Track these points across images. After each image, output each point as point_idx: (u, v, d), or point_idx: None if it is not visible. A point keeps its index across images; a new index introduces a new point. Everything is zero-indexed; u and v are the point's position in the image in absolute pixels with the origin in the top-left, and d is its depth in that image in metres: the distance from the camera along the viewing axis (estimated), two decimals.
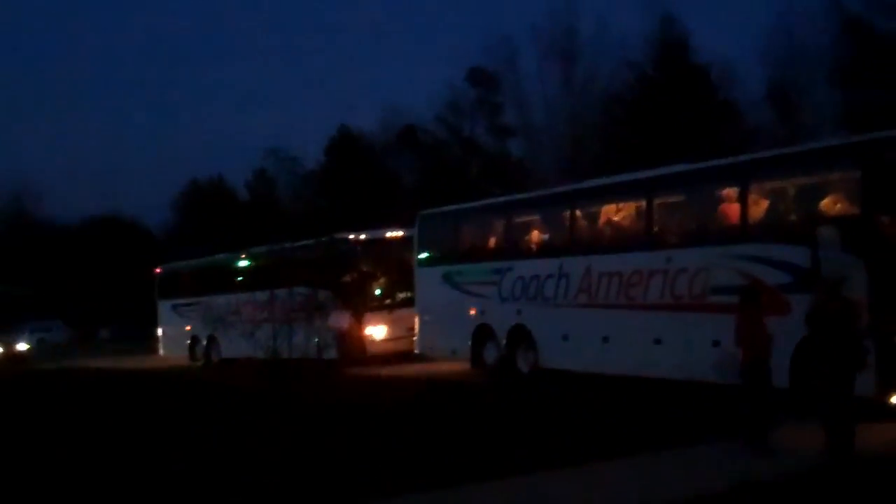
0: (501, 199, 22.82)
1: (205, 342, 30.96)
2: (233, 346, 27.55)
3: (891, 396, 12.29)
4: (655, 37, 43.59)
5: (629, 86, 44.49)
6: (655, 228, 16.45)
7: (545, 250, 18.82)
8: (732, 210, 14.93)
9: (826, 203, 13.57)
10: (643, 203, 16.63)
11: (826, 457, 10.20)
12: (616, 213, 17.35)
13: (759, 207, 14.64)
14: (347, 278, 25.22)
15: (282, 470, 11.11)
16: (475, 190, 38.97)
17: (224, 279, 30.36)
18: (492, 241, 20.78)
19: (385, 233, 26.21)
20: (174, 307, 33.69)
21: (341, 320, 23.25)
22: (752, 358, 11.06)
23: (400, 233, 25.50)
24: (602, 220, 17.74)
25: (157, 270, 36.16)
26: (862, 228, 12.76)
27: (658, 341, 15.79)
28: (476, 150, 49.58)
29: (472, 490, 9.63)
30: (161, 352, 34.80)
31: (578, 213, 18.27)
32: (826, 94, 39.93)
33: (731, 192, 15.03)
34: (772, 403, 11.18)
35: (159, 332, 35.21)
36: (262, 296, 25.53)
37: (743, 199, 14.64)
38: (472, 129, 50.12)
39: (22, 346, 43.75)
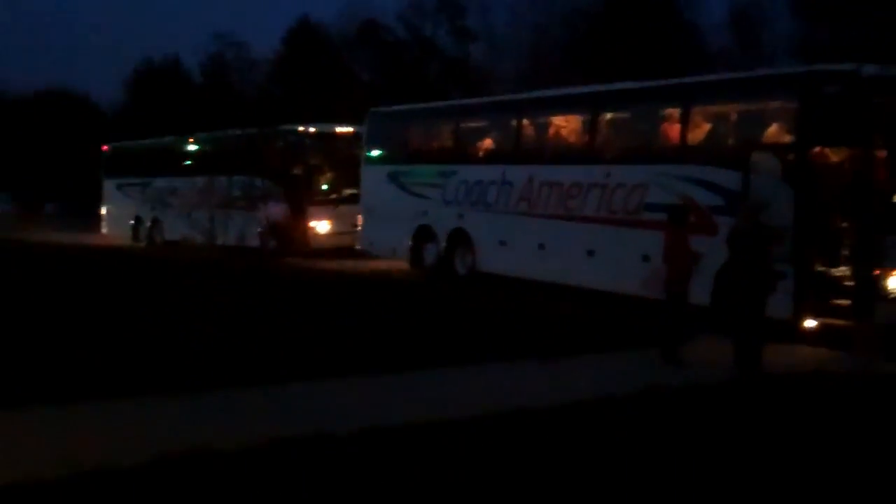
0: (451, 102, 22.93)
1: (149, 223, 30.93)
2: (176, 229, 27.62)
3: (804, 320, 12.81)
4: None
5: (593, 1, 44.22)
6: (597, 143, 16.69)
7: (490, 157, 19.03)
8: (673, 130, 15.22)
9: (762, 130, 13.88)
10: (587, 117, 16.86)
11: (733, 371, 10.74)
12: (561, 125, 17.56)
13: (699, 130, 14.94)
14: (293, 170, 25.23)
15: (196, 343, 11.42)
16: (434, 91, 38.84)
17: (170, 162, 30.20)
18: (439, 144, 20.93)
19: (335, 127, 26.15)
20: (119, 186, 33.48)
21: (277, 211, 23.22)
22: (676, 274, 11.48)
23: (350, 129, 25.43)
24: (547, 131, 17.93)
25: (104, 148, 35.76)
26: (794, 158, 13.12)
27: (591, 253, 16.19)
28: (436, 51, 49.23)
29: (380, 379, 10.06)
30: (104, 230, 34.67)
31: (525, 122, 18.43)
32: (787, 25, 40.17)
33: (672, 112, 15.30)
34: (687, 318, 11.65)
35: (103, 210, 35.03)
36: (205, 180, 25.50)
37: (684, 121, 14.92)
38: (435, 31, 49.73)
39: None
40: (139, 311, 14.21)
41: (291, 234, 24.43)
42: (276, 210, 23.58)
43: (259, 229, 24.66)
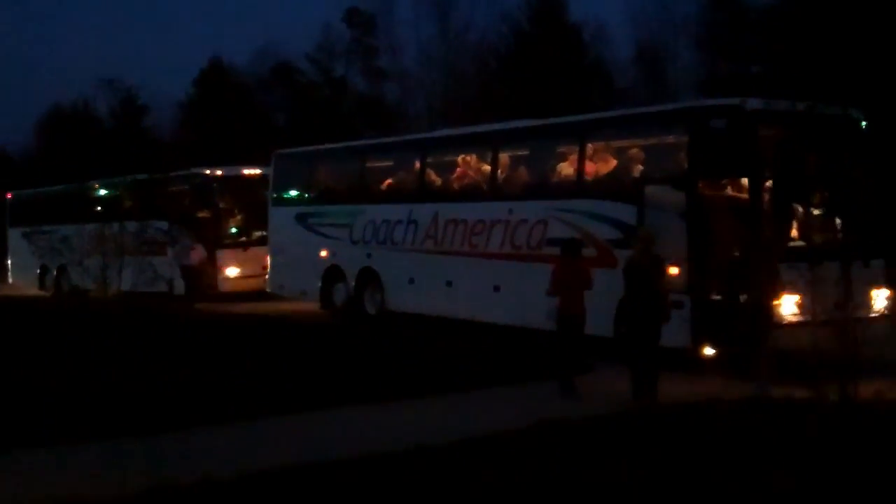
0: (355, 143, 23.03)
1: (55, 272, 30.24)
2: (81, 277, 27.08)
3: (702, 349, 13.06)
4: None
5: (503, 38, 44.90)
6: (499, 180, 16.88)
7: (396, 196, 19.09)
8: (570, 166, 15.50)
9: (655, 164, 14.22)
10: (489, 155, 17.06)
11: (630, 401, 10.91)
12: (464, 163, 17.72)
13: (595, 165, 15.24)
14: (201, 213, 25.01)
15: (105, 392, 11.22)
16: (347, 131, 38.88)
17: (74, 208, 29.54)
18: (345, 184, 20.93)
19: (242, 170, 26.02)
20: (24, 235, 32.67)
21: (190, 255, 22.88)
22: (569, 307, 11.63)
23: (258, 170, 25.34)
24: (451, 169, 18.08)
25: (8, 196, 34.99)
26: (686, 190, 13.43)
27: (497, 288, 16.32)
28: (348, 91, 49.30)
29: (282, 420, 10.04)
30: (11, 280, 33.89)
31: (429, 161, 18.56)
32: (692, 60, 41.18)
33: (569, 148, 15.59)
34: (583, 350, 11.80)
35: (9, 260, 34.22)
36: (108, 226, 25.05)
37: (580, 157, 15.18)
38: (347, 71, 49.80)
39: None
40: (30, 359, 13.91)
41: (200, 278, 24.15)
42: (189, 253, 23.04)
43: (167, 274, 24.33)
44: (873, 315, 13.38)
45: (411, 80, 47.01)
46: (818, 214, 13.43)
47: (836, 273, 12.68)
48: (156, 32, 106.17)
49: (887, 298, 13.60)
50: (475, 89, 44.06)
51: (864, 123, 13.94)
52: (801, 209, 13.37)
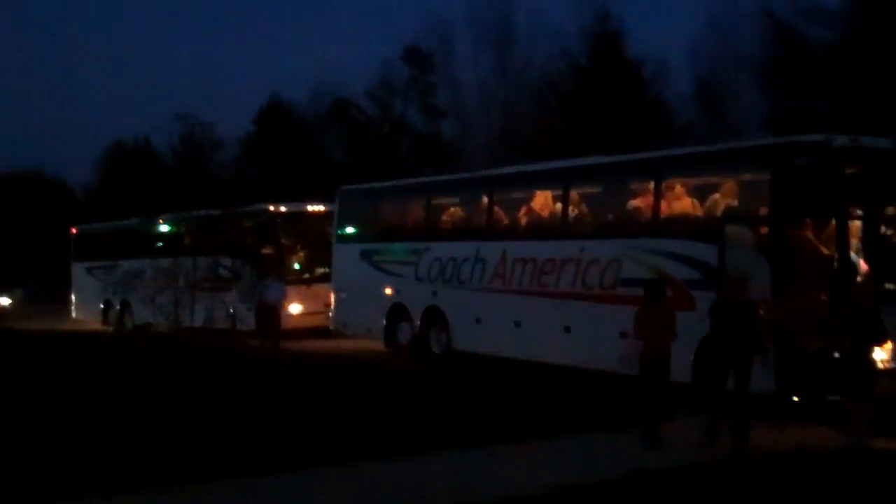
0: (422, 179, 22.86)
1: (118, 307, 30.42)
2: (145, 312, 27.23)
3: (790, 395, 12.54)
4: (590, 29, 43.75)
5: (562, 76, 44.65)
6: (570, 218, 16.55)
7: (463, 233, 18.85)
8: (646, 204, 15.13)
9: (736, 203, 13.81)
10: (560, 192, 16.75)
11: (705, 450, 10.49)
12: (533, 200, 17.43)
13: (672, 203, 14.86)
14: (265, 250, 24.98)
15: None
16: (404, 168, 38.87)
17: (139, 243, 29.86)
18: (411, 221, 20.75)
19: (306, 206, 26.01)
20: (89, 269, 33.02)
21: (279, 293, 21.94)
22: (653, 351, 11.21)
23: (321, 207, 25.32)
24: (520, 206, 17.81)
25: (73, 231, 35.40)
26: (769, 229, 13.02)
27: (568, 329, 15.94)
28: (407, 128, 49.43)
29: (356, 468, 9.71)
30: (74, 314, 34.12)
31: (497, 198, 18.30)
32: (753, 97, 40.59)
33: (645, 186, 15.24)
34: (668, 397, 11.37)
35: (73, 294, 34.53)
36: (171, 262, 25.18)
37: (657, 195, 14.83)
38: (405, 109, 49.94)
39: None
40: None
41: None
42: (279, 291, 22.03)
43: (231, 309, 24.29)
44: None
45: (469, 117, 46.97)
46: None
47: None
48: (216, 70, 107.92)
49: None
50: (534, 126, 43.90)
51: None
52: (889, 249, 12.85)
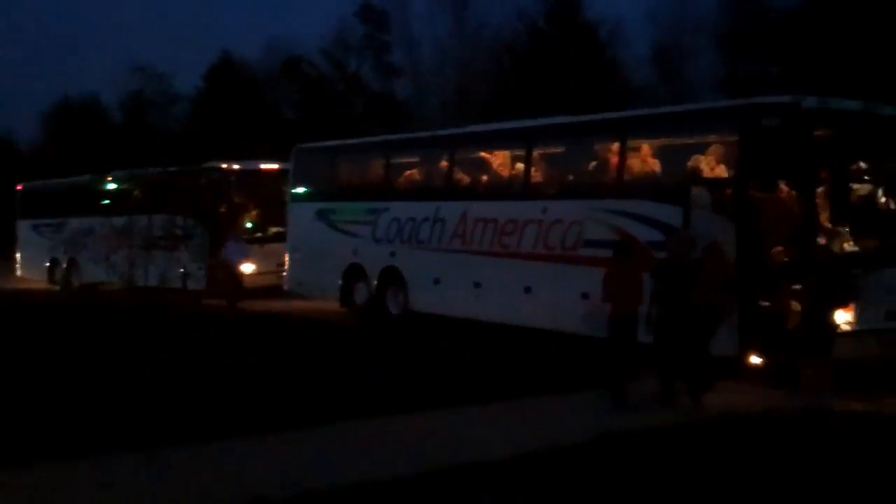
0: (381, 138, 22.48)
1: (65, 265, 29.69)
2: (93, 271, 26.60)
3: (749, 357, 12.51)
4: None
5: (519, 36, 44.31)
6: (533, 178, 16.32)
7: (422, 193, 18.53)
8: (610, 165, 14.95)
9: (701, 164, 13.66)
10: (522, 152, 16.49)
11: (665, 410, 10.55)
12: (495, 160, 17.17)
13: (636, 164, 14.68)
14: (217, 208, 24.47)
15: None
16: (358, 127, 38.38)
17: (88, 201, 29.03)
18: (369, 181, 20.37)
19: (259, 164, 25.47)
20: (35, 227, 32.15)
21: (241, 253, 21.32)
22: (620, 312, 11.08)
23: (275, 165, 24.80)
24: (481, 166, 17.54)
25: (19, 187, 34.44)
26: (735, 191, 12.90)
27: (528, 290, 15.76)
28: (361, 87, 48.74)
29: (307, 433, 9.46)
30: (19, 272, 33.30)
31: (458, 157, 18.01)
32: (709, 60, 40.67)
33: (609, 147, 15.05)
34: (635, 358, 11.25)
35: (18, 252, 33.67)
36: (123, 221, 24.55)
37: (621, 155, 14.65)
38: (359, 67, 49.21)
39: None
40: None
41: (214, 274, 23.64)
42: (238, 251, 21.36)
43: (181, 269, 23.82)
44: None
45: (425, 76, 46.51)
46: (871, 219, 12.88)
47: (889, 281, 12.31)
48: (164, 27, 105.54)
49: None
50: (490, 87, 43.58)
51: None
52: (854, 213, 12.80)
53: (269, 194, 24.29)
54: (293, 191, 21.71)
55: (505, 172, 17.04)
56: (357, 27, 48.89)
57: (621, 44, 43.67)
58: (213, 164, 25.36)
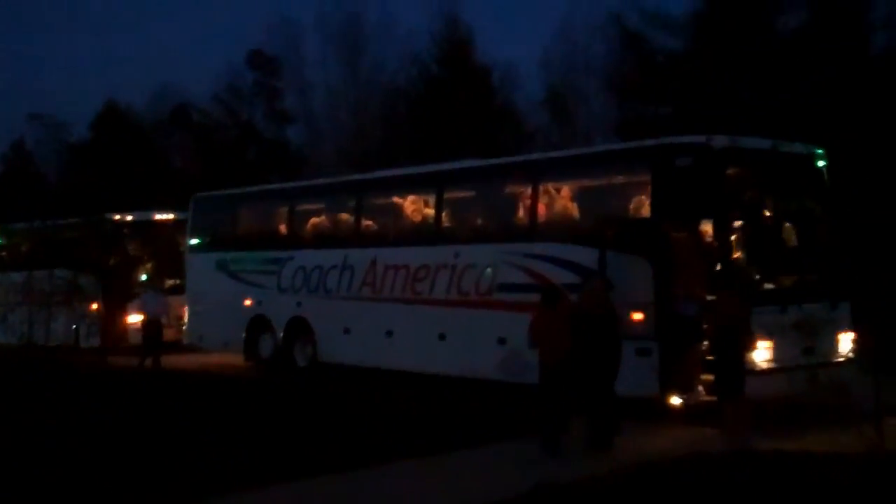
0: (284, 185, 22.01)
1: None
2: None
3: (671, 397, 12.42)
4: (441, 34, 43.57)
5: (413, 81, 44.31)
6: (444, 223, 16.07)
7: (329, 241, 18.08)
8: (523, 208, 14.81)
9: (616, 205, 13.65)
10: (433, 196, 16.25)
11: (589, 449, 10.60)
12: (405, 205, 16.87)
13: (549, 206, 14.59)
14: (111, 261, 23.57)
15: None
16: (252, 175, 37.63)
17: None
18: (272, 229, 19.84)
19: (154, 214, 24.72)
20: None
21: (159, 305, 19.64)
22: (549, 360, 10.81)
23: (171, 215, 24.17)
24: (390, 212, 17.23)
25: None
26: (650, 231, 12.87)
27: (443, 337, 15.46)
28: (254, 134, 47.95)
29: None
30: None
31: (366, 203, 17.68)
32: (602, 103, 41.23)
33: (521, 189, 14.93)
34: (568, 405, 11.01)
35: None
36: (17, 277, 23.39)
37: (533, 198, 14.53)
38: (251, 114, 48.44)
39: None
40: None
41: (109, 330, 22.69)
42: (159, 304, 19.68)
43: (74, 325, 22.75)
44: (839, 359, 13.01)
45: (319, 122, 46.04)
46: (785, 255, 13.02)
47: (804, 317, 12.41)
48: (52, 74, 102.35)
49: (852, 342, 13.21)
50: (385, 132, 43.38)
51: (823, 162, 13.56)
52: (768, 250, 12.90)
53: (164, 245, 23.59)
54: (191, 241, 21.03)
55: (416, 217, 16.76)
56: (247, 74, 48.29)
57: (514, 88, 44.08)
58: (104, 215, 24.49)
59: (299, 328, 18.23)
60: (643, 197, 13.19)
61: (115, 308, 23.00)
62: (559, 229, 14.19)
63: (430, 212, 16.33)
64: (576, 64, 41.39)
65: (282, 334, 18.51)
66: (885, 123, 23.89)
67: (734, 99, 30.75)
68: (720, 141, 12.44)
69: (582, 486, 8.83)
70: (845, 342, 13.17)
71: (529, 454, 10.41)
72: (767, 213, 12.99)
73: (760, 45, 31.62)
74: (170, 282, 23.00)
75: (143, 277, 23.94)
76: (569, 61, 41.58)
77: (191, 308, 20.83)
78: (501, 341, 14.29)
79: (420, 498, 8.65)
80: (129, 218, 24.33)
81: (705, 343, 12.14)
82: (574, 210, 14.40)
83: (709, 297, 12.09)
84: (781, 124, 24.60)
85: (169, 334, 20.93)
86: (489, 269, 14.77)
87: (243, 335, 19.21)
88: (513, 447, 10.90)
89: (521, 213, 14.84)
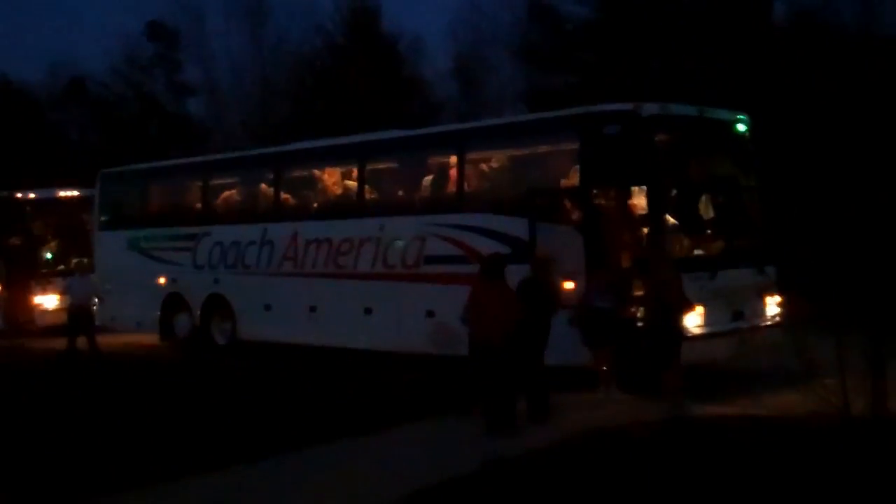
0: (198, 158, 21.30)
1: None
2: None
3: (602, 365, 12.40)
4: (345, 3, 42.89)
5: (319, 52, 43.54)
6: (368, 195, 15.77)
7: (247, 215, 17.58)
8: (449, 178, 14.61)
9: (545, 174, 13.54)
10: (356, 169, 15.90)
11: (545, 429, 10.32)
12: (327, 178, 16.50)
13: (477, 177, 14.44)
14: (13, 241, 22.64)
15: None
16: (155, 150, 36.54)
17: None
18: (186, 205, 19.24)
19: (58, 192, 23.76)
20: None
21: (86, 290, 18.17)
22: (484, 338, 10.47)
23: (75, 192, 23.29)
24: (312, 185, 16.84)
25: None
26: (579, 201, 12.80)
27: (369, 311, 15.20)
28: (156, 107, 46.51)
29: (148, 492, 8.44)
30: None
31: (286, 176, 17.23)
32: (510, 73, 41.17)
33: (448, 159, 14.69)
34: (507, 383, 10.84)
35: None
36: None
37: (459, 168, 14.32)
38: (152, 87, 46.96)
39: None
40: None
41: (14, 312, 21.82)
42: (78, 288, 18.15)
43: None
44: (767, 323, 13.20)
45: (223, 95, 44.91)
46: (713, 222, 13.10)
47: (732, 282, 12.54)
48: None
49: (778, 305, 13.41)
50: (291, 104, 42.61)
51: (745, 128, 13.67)
52: (697, 217, 12.97)
53: (69, 223, 22.78)
54: (100, 219, 20.26)
55: (338, 190, 16.41)
56: (147, 46, 46.79)
57: (422, 58, 43.68)
58: (5, 193, 23.47)
59: (217, 306, 17.75)
60: (572, 165, 13.09)
61: (19, 290, 22.18)
62: (487, 200, 14.03)
63: (353, 184, 15.98)
64: (483, 33, 41.25)
65: (199, 312, 17.99)
66: (788, 88, 24.44)
67: (642, 67, 31.10)
68: (648, 108, 12.41)
69: (531, 459, 8.72)
70: (772, 306, 13.36)
71: (469, 429, 10.21)
72: (695, 180, 13.04)
73: (667, 13, 32.03)
74: (76, 261, 22.11)
75: (49, 257, 23.13)
76: (476, 31, 41.46)
77: (102, 288, 20.08)
78: (430, 314, 14.12)
79: (358, 484, 8.30)
80: (32, 196, 23.35)
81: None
82: (502, 180, 14.26)
83: (640, 266, 12.08)
84: (689, 92, 24.96)
85: None
86: (416, 241, 14.53)
87: (158, 314, 18.63)
88: (451, 423, 10.71)
89: (447, 183, 14.63)
